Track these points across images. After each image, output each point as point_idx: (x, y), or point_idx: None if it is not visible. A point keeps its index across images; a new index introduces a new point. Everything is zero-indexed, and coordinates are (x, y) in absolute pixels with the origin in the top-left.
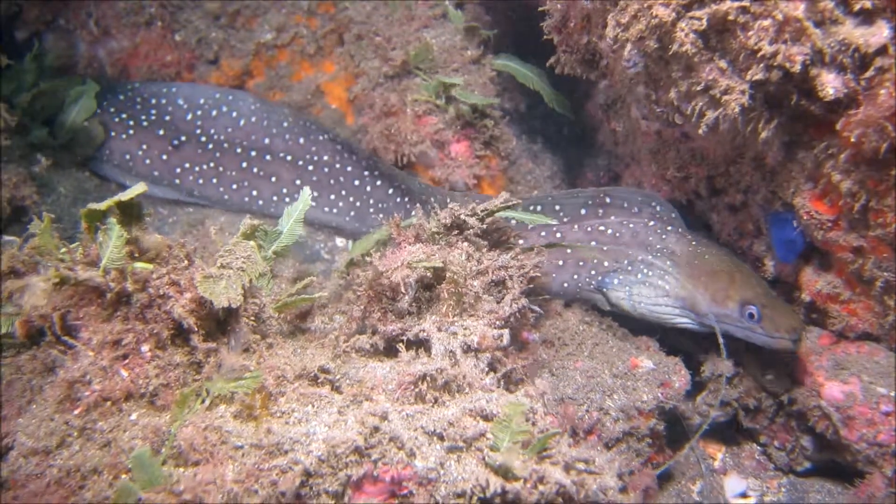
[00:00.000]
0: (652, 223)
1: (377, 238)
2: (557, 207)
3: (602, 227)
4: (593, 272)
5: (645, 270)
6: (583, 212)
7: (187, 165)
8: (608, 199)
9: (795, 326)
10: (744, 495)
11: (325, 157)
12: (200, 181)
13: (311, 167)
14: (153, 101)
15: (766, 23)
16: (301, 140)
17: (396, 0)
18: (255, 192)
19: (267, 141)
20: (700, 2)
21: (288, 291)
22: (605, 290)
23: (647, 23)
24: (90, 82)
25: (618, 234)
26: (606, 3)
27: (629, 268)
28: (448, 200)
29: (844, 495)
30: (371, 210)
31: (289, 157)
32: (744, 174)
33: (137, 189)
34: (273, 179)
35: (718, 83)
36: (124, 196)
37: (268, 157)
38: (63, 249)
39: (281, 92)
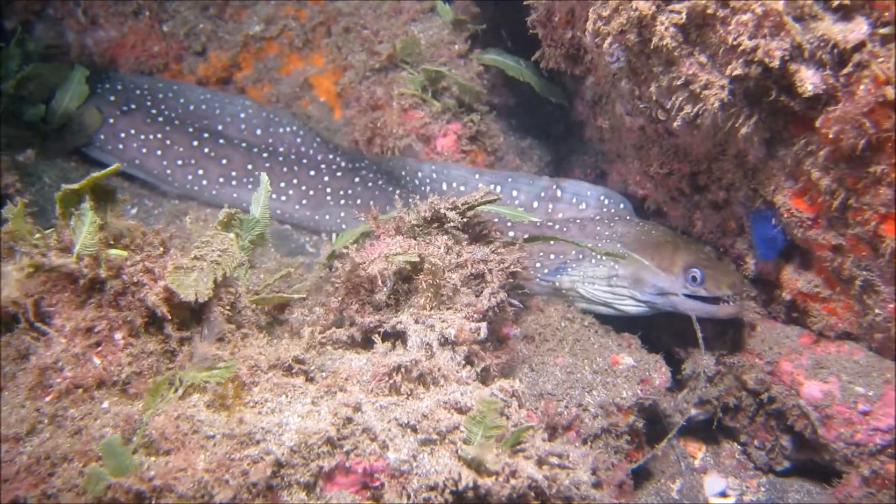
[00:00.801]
0: (598, 217)
1: (360, 231)
2: (515, 193)
3: (550, 224)
4: (538, 265)
5: (597, 256)
6: (536, 205)
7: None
8: (559, 193)
9: (736, 282)
10: (723, 494)
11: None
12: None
13: (265, 154)
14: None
15: (746, 17)
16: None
17: None
18: (200, 172)
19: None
20: None
21: (266, 282)
22: (556, 279)
23: (628, 16)
24: (79, 67)
25: (565, 229)
26: None
27: (579, 257)
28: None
29: (823, 495)
30: (329, 198)
31: (243, 144)
32: (726, 171)
33: (111, 168)
34: (224, 161)
35: (698, 78)
36: (98, 175)
37: (220, 140)
38: (37, 235)
39: (269, 84)
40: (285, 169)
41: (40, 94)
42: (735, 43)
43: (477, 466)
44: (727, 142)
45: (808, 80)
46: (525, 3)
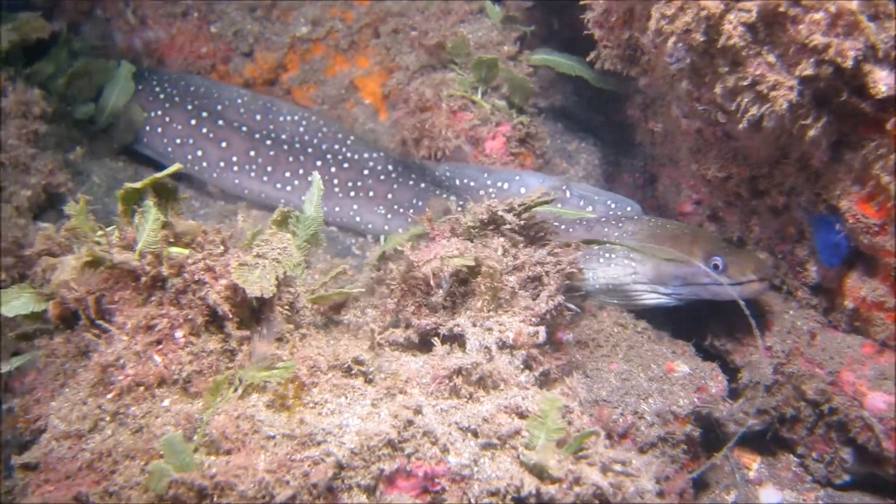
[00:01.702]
0: (604, 219)
1: (412, 233)
2: (523, 190)
3: (556, 224)
4: None
5: (607, 255)
6: None
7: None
8: (567, 194)
9: (760, 266)
10: None
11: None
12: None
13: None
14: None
15: (819, 16)
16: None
17: None
18: (200, 153)
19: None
20: None
21: (321, 281)
22: None
23: (694, 15)
24: (125, 63)
25: (571, 230)
26: None
27: (586, 257)
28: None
29: None
30: (337, 190)
31: (244, 129)
32: (788, 175)
33: (173, 168)
34: (223, 144)
35: (766, 78)
36: (160, 175)
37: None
38: (99, 232)
39: (314, 86)
40: (334, 170)
41: (89, 91)
42: (806, 42)
43: (539, 472)
44: (790, 145)
45: (882, 80)
46: (581, 2)
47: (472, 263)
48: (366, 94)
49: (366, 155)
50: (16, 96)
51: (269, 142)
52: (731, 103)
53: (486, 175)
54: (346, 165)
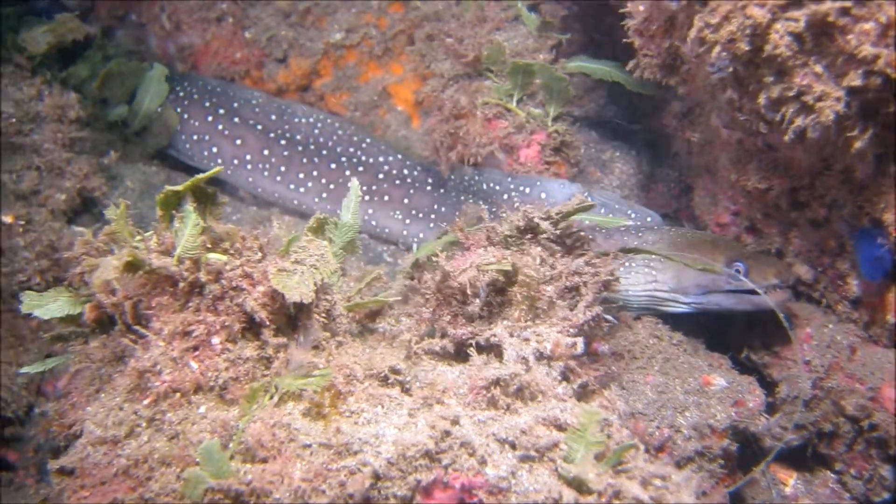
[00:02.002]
0: (623, 228)
1: (445, 240)
2: (543, 196)
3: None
4: None
5: (627, 263)
6: None
7: None
8: (589, 201)
9: (782, 270)
10: None
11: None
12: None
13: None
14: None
15: (869, 26)
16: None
17: (468, 1)
18: (215, 150)
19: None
20: (798, 2)
21: (356, 288)
22: None
23: (740, 24)
24: (157, 65)
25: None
26: (694, 4)
27: None
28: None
29: None
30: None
31: (259, 127)
32: (830, 187)
33: (214, 170)
34: (238, 142)
35: (812, 89)
36: (202, 177)
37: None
38: (138, 237)
39: (347, 92)
40: (348, 173)
41: (122, 94)
42: (855, 53)
43: (578, 486)
44: (834, 156)
45: None
46: (622, 10)
47: (510, 270)
48: (398, 101)
49: (381, 158)
50: (52, 100)
51: (283, 141)
52: (775, 114)
53: (509, 179)
54: (360, 169)
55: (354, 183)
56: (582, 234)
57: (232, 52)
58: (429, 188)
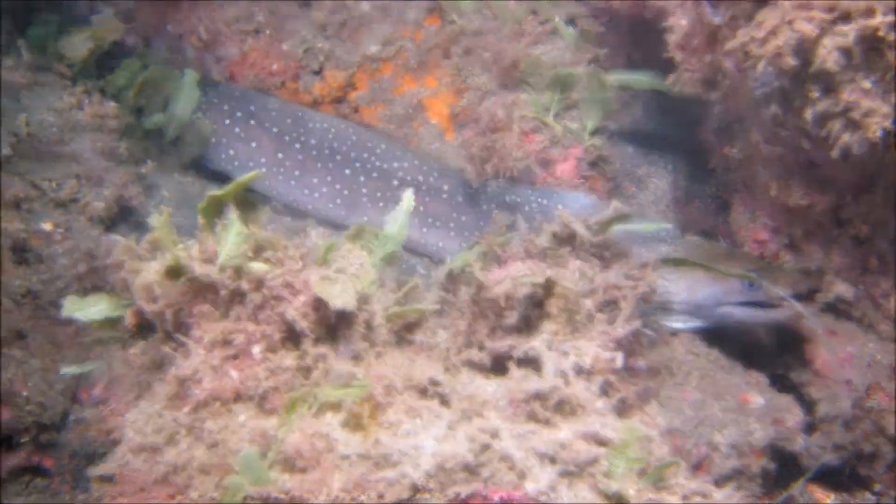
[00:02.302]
0: (638, 241)
1: (478, 251)
2: (560, 207)
3: None
4: None
5: None
6: None
7: None
8: None
9: (796, 281)
10: None
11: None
12: None
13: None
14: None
15: None
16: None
17: (506, 14)
18: (231, 152)
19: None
20: (846, 18)
21: (394, 299)
22: None
23: (787, 38)
24: (189, 71)
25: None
26: (739, 20)
27: None
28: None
29: None
30: (365, 199)
31: (274, 129)
32: (873, 205)
33: (253, 174)
34: (253, 145)
35: (860, 105)
36: (244, 179)
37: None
38: (180, 245)
39: (382, 105)
40: (363, 179)
41: (158, 102)
42: None
43: (618, 501)
44: (878, 173)
45: None
46: (664, 24)
47: (546, 282)
48: (433, 114)
49: (395, 164)
50: (92, 109)
51: (297, 145)
52: (820, 130)
53: (529, 191)
54: (374, 175)
55: (408, 194)
56: (620, 245)
57: (269, 64)
58: (444, 196)
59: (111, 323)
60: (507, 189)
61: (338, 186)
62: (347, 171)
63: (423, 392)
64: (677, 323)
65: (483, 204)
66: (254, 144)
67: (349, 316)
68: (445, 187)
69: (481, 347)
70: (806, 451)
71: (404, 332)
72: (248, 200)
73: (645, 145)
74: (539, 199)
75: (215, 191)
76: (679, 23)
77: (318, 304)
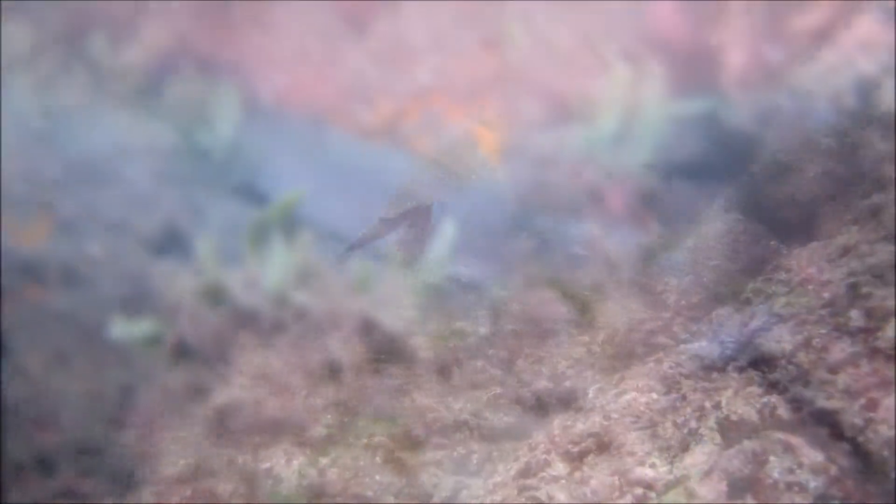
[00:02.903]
0: None
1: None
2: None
3: None
4: None
5: None
6: None
7: None
8: None
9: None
10: None
11: None
12: None
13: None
14: None
15: None
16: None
17: (560, 47)
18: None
19: None
20: None
21: (436, 331)
22: None
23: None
24: (232, 91)
25: None
26: (797, 57)
27: None
28: None
29: None
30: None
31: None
32: None
33: (295, 196)
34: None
35: None
36: (288, 201)
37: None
38: (224, 272)
39: (432, 135)
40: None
41: (207, 126)
42: None
43: None
44: None
45: None
46: (721, 59)
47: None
48: (483, 145)
49: (441, 194)
50: (142, 130)
51: (343, 171)
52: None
53: (575, 226)
54: (418, 204)
55: (450, 225)
56: None
57: (319, 91)
58: (489, 227)
59: (154, 345)
60: (554, 223)
61: (380, 213)
62: (393, 198)
63: (463, 427)
64: None
65: (528, 236)
66: (302, 169)
67: (392, 346)
68: (490, 218)
69: (524, 384)
70: None
71: (447, 364)
72: (293, 224)
73: (698, 181)
74: (583, 235)
75: (259, 213)
76: (736, 58)
77: (362, 333)
